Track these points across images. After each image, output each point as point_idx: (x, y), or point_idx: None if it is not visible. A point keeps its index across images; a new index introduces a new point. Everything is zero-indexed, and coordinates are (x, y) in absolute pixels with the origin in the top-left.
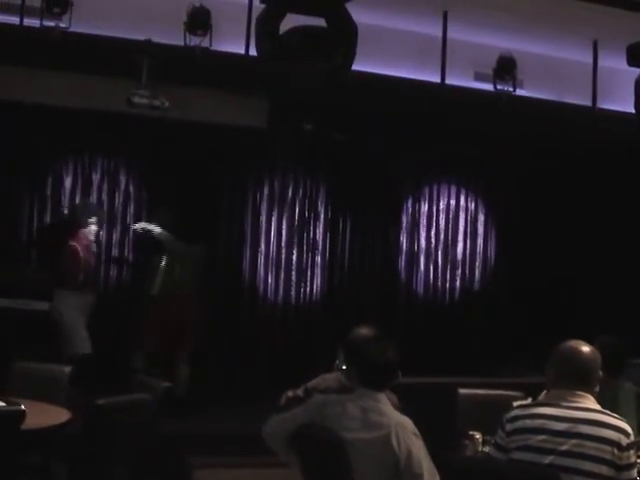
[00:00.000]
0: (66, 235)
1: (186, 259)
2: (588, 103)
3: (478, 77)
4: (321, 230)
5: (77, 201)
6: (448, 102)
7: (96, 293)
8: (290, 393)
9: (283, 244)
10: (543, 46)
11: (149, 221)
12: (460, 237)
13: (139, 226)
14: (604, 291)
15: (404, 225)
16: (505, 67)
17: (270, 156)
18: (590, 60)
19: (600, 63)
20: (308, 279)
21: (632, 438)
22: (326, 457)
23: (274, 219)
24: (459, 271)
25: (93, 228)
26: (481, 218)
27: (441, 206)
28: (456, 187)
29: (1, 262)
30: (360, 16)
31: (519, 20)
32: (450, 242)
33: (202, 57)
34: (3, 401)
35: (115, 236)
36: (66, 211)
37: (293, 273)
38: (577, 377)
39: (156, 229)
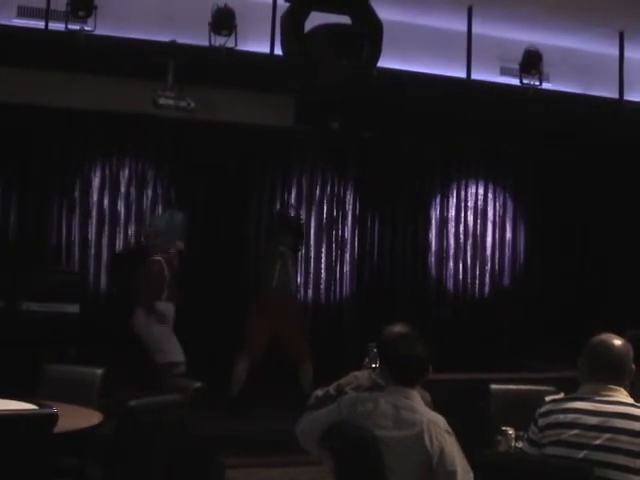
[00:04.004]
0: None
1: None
2: (615, 95)
3: (504, 72)
4: (350, 228)
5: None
6: (474, 97)
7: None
8: (319, 392)
9: (312, 243)
10: (569, 39)
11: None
12: (489, 233)
13: None
14: (635, 285)
15: (433, 222)
16: (531, 61)
17: (297, 155)
18: (616, 52)
19: (627, 55)
20: (337, 277)
21: None
22: (358, 455)
23: (303, 218)
24: (488, 267)
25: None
26: (510, 213)
27: (469, 202)
28: (484, 182)
29: (31, 265)
30: (385, 13)
31: (544, 13)
32: (479, 238)
33: (227, 57)
34: (35, 404)
35: (144, 237)
36: (148, 226)
37: (322, 271)
38: (609, 371)
39: None
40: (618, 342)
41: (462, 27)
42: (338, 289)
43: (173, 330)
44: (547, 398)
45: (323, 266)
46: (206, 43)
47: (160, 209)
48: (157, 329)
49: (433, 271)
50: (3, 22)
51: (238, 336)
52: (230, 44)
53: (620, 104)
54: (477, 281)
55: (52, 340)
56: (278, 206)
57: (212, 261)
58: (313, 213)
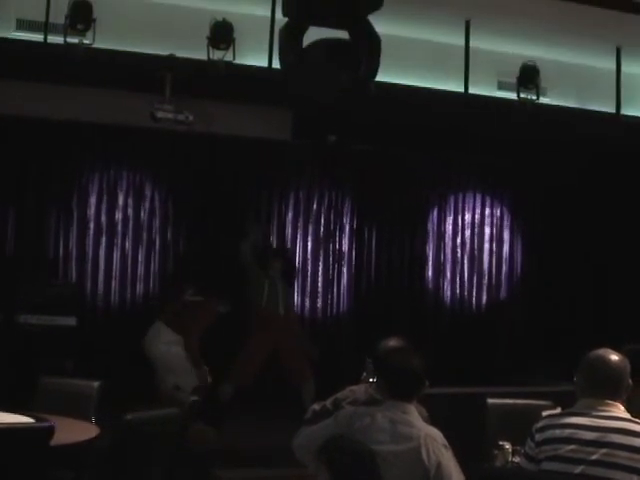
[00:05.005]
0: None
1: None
2: (612, 110)
3: (501, 86)
4: (347, 241)
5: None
6: (472, 111)
7: None
8: (316, 406)
9: (309, 256)
10: (566, 53)
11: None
12: (486, 246)
13: None
14: (633, 299)
15: (430, 235)
16: (528, 75)
17: (295, 168)
18: (613, 67)
19: (624, 69)
20: (335, 290)
21: None
22: (356, 469)
23: (300, 231)
24: (485, 280)
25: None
26: (507, 227)
27: (466, 215)
28: (481, 196)
29: (29, 277)
30: (383, 27)
31: (542, 28)
32: (476, 252)
33: (225, 71)
34: (32, 417)
35: (141, 250)
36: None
37: (319, 285)
38: (606, 386)
39: None
40: (615, 357)
41: (460, 41)
42: (335, 302)
43: None
44: (544, 413)
45: (320, 279)
46: (204, 57)
47: (157, 221)
48: (180, 352)
49: (430, 284)
50: (2, 35)
51: (236, 349)
52: (228, 58)
53: (617, 118)
54: (474, 294)
55: (49, 353)
56: (275, 220)
57: (209, 274)
58: (310, 226)
